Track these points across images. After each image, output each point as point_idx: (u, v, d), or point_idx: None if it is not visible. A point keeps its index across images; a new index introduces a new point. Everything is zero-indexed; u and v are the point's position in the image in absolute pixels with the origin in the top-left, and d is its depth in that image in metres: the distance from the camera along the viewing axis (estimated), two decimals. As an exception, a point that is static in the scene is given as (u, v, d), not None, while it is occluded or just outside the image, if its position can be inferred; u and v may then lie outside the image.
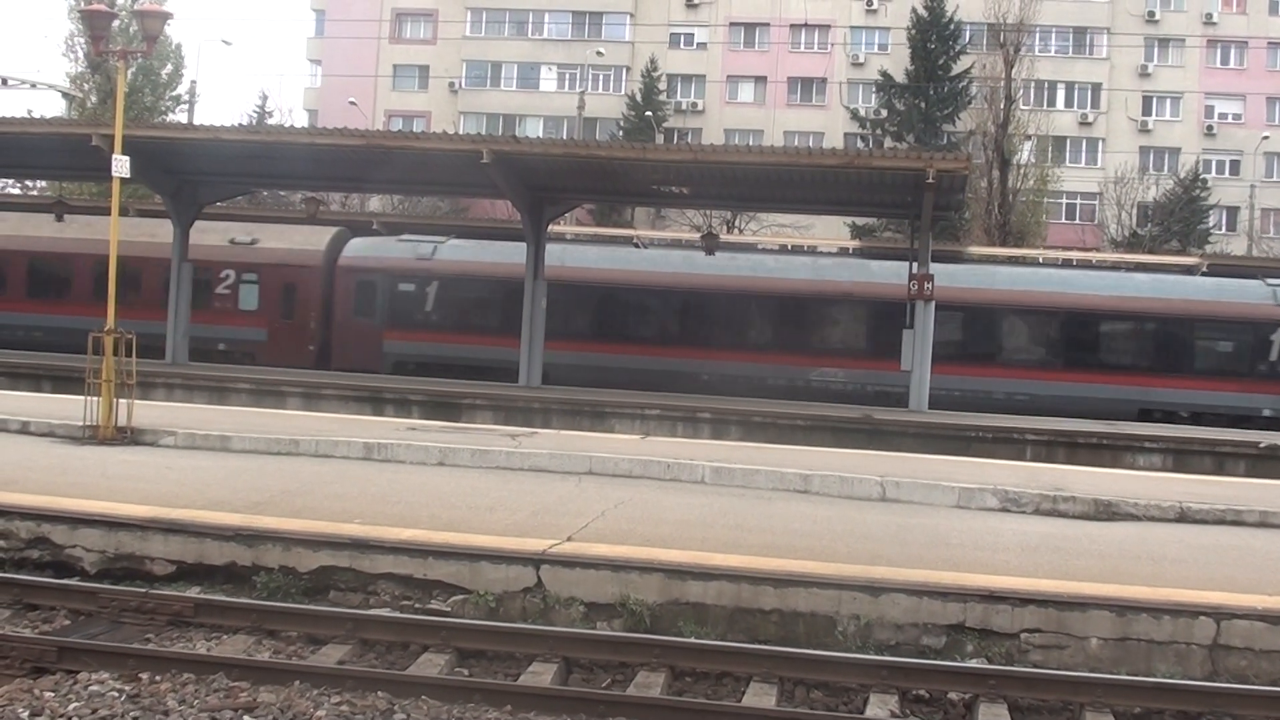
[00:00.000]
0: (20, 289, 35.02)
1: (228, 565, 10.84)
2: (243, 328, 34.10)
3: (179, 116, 63.05)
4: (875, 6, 67.61)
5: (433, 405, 24.81)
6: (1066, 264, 36.40)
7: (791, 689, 8.89)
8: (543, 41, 71.00)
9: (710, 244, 33.22)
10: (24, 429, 17.19)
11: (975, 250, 40.33)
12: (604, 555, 10.40)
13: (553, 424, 23.42)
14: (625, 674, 8.99)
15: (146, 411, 17.89)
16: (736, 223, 53.31)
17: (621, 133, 63.35)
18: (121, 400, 16.82)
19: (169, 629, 9.56)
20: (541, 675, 8.75)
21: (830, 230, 52.44)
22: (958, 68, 61.33)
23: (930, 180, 24.06)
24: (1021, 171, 57.17)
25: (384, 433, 17.48)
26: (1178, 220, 58.36)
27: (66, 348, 28.50)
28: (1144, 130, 66.45)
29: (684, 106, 68.64)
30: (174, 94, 66.82)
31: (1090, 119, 66.42)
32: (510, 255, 32.63)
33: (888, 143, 59.63)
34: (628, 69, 69.18)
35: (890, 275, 31.24)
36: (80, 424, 16.64)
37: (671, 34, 69.47)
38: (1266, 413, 30.08)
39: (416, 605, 10.35)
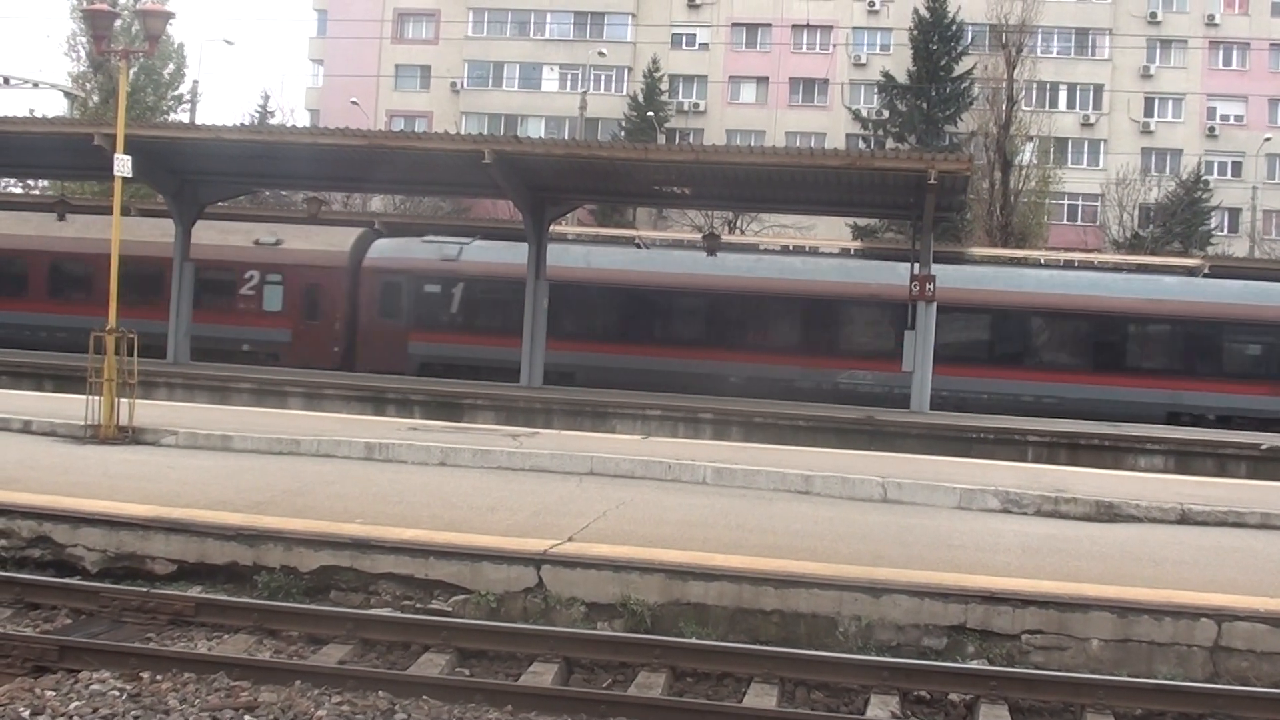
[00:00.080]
0: (44, 290, 34.86)
1: (229, 565, 10.84)
2: (267, 329, 33.97)
3: (181, 116, 63.04)
4: (877, 7, 67.64)
5: (434, 405, 24.81)
6: (1095, 266, 36.17)
7: (792, 690, 8.89)
8: (544, 42, 71.04)
9: (712, 244, 33.24)
10: (26, 428, 17.19)
11: (977, 251, 40.33)
12: (605, 556, 10.40)
13: (554, 424, 23.43)
14: (626, 674, 8.99)
15: (148, 411, 17.90)
16: (738, 223, 53.33)
17: (623, 133, 63.35)
18: (123, 400, 16.83)
19: (170, 628, 9.56)
20: (542, 675, 8.75)
21: (832, 231, 52.47)
22: (960, 69, 61.33)
23: (932, 181, 24.06)
24: (1023, 173, 57.17)
25: (385, 433, 17.48)
26: (1179, 222, 58.36)
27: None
28: (1146, 131, 66.45)
29: (686, 107, 68.66)
30: (176, 94, 66.83)
31: (1092, 120, 66.43)
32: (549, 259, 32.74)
33: (889, 144, 59.63)
34: (629, 69, 69.19)
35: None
36: (82, 423, 16.64)
37: (673, 34, 69.49)
38: None
39: (418, 605, 10.36)
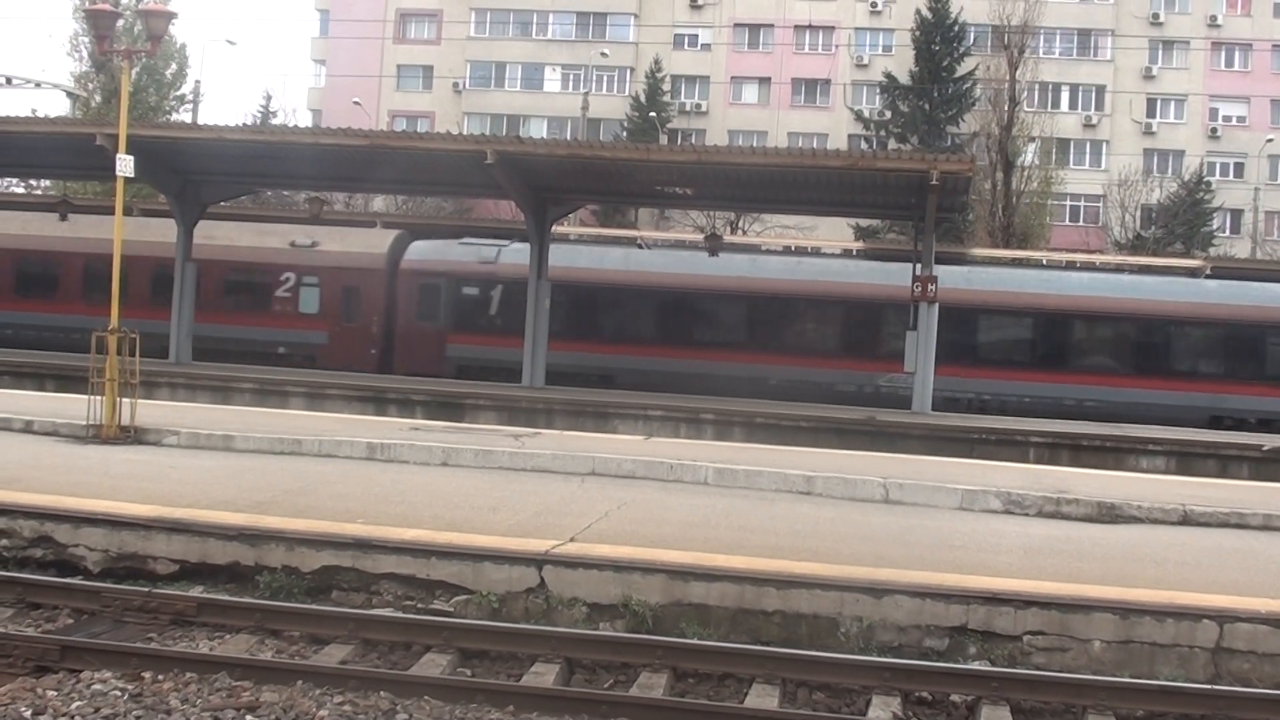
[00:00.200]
0: (76, 291, 34.44)
1: (231, 565, 10.85)
2: (303, 331, 33.88)
3: (183, 116, 63.06)
4: (879, 8, 67.64)
5: (436, 405, 24.82)
6: (1141, 270, 35.99)
7: (794, 690, 8.89)
8: (547, 42, 71.03)
9: (714, 245, 33.22)
10: (27, 428, 17.20)
11: (978, 252, 40.30)
12: (607, 556, 10.40)
13: (556, 424, 23.43)
14: (628, 675, 8.99)
15: (150, 411, 17.91)
16: (740, 224, 53.32)
17: (625, 134, 63.34)
18: (125, 399, 16.84)
19: (172, 628, 9.57)
20: (544, 676, 8.76)
21: (834, 232, 52.44)
22: (962, 69, 61.28)
23: (934, 182, 24.06)
24: (1025, 173, 57.11)
25: (387, 433, 17.49)
26: (1181, 223, 58.32)
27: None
28: (1148, 132, 66.42)
29: (688, 107, 68.63)
30: (178, 94, 66.86)
31: (1094, 121, 66.41)
32: (576, 259, 32.61)
33: (891, 144, 59.59)
34: (632, 70, 69.17)
35: (959, 280, 31.34)
36: (84, 423, 16.65)
37: (676, 35, 69.50)
38: None
39: (419, 605, 10.36)
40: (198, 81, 70.63)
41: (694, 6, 69.63)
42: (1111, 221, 60.88)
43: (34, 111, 59.14)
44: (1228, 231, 63.33)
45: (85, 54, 62.53)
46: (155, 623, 9.61)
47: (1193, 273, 34.81)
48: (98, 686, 8.09)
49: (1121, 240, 58.16)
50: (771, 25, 68.69)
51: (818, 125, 67.59)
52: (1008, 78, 56.68)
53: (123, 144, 18.08)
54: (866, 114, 64.24)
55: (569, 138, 54.70)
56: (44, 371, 26.61)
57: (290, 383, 26.05)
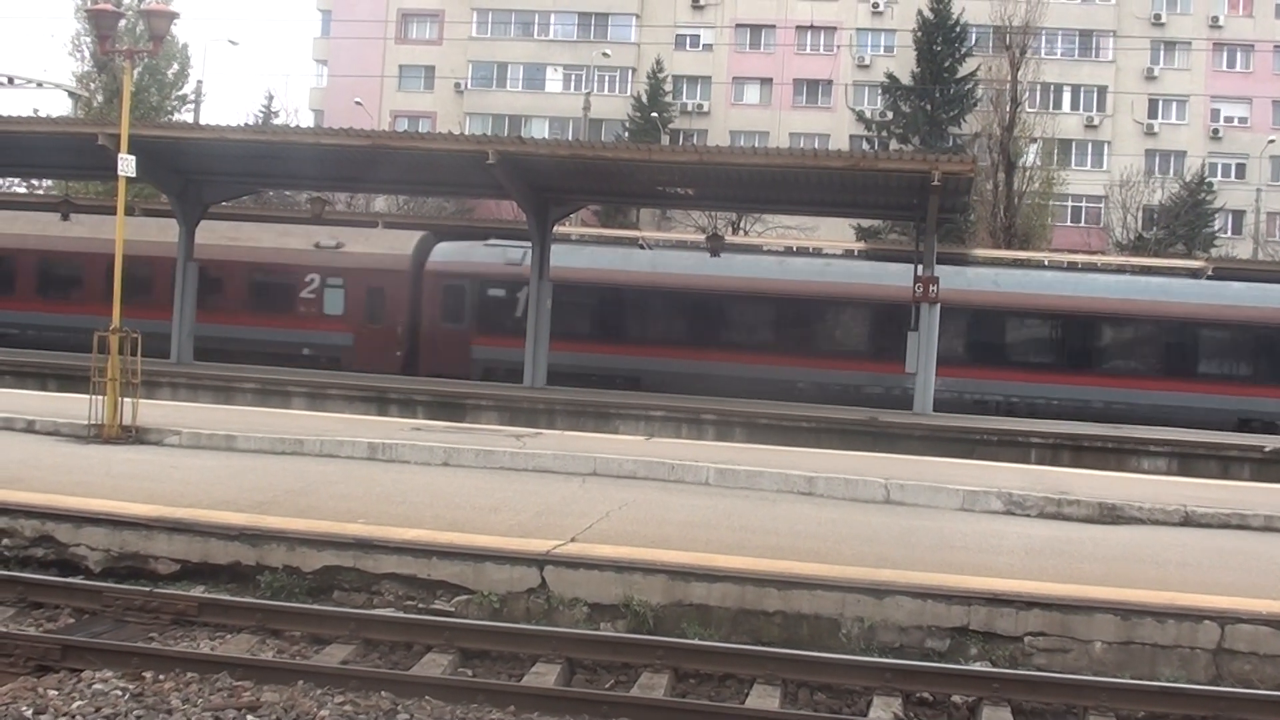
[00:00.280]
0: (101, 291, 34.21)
1: (232, 565, 10.85)
2: (328, 332, 33.76)
3: (185, 116, 63.08)
4: (881, 9, 67.65)
5: (437, 405, 24.81)
6: (1142, 270, 35.86)
7: (795, 691, 8.89)
8: (549, 42, 71.05)
9: (716, 245, 33.19)
10: (29, 427, 17.20)
11: (980, 253, 40.28)
12: (608, 556, 10.40)
13: (557, 425, 23.43)
14: (629, 675, 8.99)
15: (151, 411, 17.92)
16: (742, 224, 53.31)
17: (627, 134, 63.35)
18: (126, 399, 16.84)
19: (173, 628, 9.57)
20: (545, 676, 8.76)
21: (835, 232, 52.43)
22: (963, 70, 61.25)
23: (936, 183, 24.05)
24: (1027, 174, 57.09)
25: (389, 433, 17.49)
26: (1183, 224, 58.31)
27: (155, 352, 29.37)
28: (1149, 133, 66.41)
29: (689, 108, 68.63)
30: (180, 93, 66.86)
31: (1096, 122, 66.40)
32: (603, 260, 32.60)
33: (893, 145, 59.58)
34: (633, 70, 69.17)
35: (985, 283, 31.26)
36: (85, 423, 16.65)
37: (677, 35, 69.50)
38: None
39: (420, 605, 10.36)
40: (199, 81, 70.55)
41: (696, 7, 69.65)
42: (1113, 222, 60.89)
43: (36, 111, 59.21)
44: (1229, 232, 63.31)
45: (87, 54, 62.55)
46: (156, 622, 9.61)
47: (1194, 274, 34.77)
48: (99, 686, 8.09)
49: (1123, 241, 58.16)
50: (773, 26, 68.71)
51: (819, 126, 67.59)
52: (1009, 78, 56.65)
53: (124, 144, 18.09)
54: (868, 114, 64.22)
55: (571, 138, 54.74)
56: (46, 371, 26.62)
57: (292, 383, 26.04)
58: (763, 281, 32.22)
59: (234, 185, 32.47)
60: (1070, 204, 64.48)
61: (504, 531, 11.21)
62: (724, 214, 49.61)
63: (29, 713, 7.61)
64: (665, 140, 59.90)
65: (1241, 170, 65.42)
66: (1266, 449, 22.92)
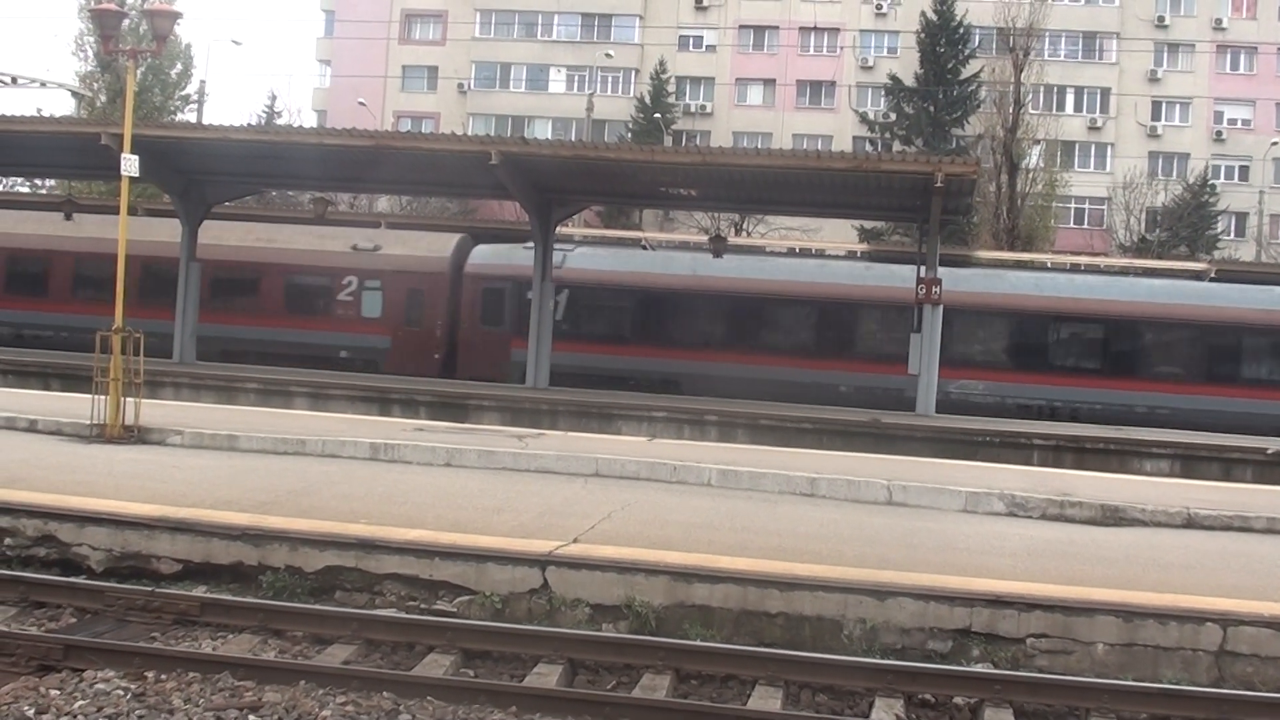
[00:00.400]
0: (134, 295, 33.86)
1: (234, 565, 10.86)
2: (365, 335, 33.63)
3: (188, 116, 63.18)
4: (884, 10, 67.61)
5: (439, 406, 24.83)
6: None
7: (797, 692, 8.89)
8: (552, 43, 71.05)
9: (718, 246, 33.19)
10: (31, 427, 17.22)
11: (983, 254, 40.26)
12: (610, 557, 10.40)
13: (559, 425, 23.43)
14: (630, 676, 8.99)
15: (154, 411, 17.92)
16: (744, 225, 53.32)
17: (630, 135, 63.35)
18: (129, 399, 16.85)
19: (175, 628, 9.57)
20: (547, 676, 8.76)
21: (838, 234, 52.45)
22: (967, 72, 61.24)
23: (939, 184, 24.03)
24: (1030, 176, 57.07)
25: (391, 433, 17.49)
26: (1186, 226, 58.26)
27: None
28: (1153, 135, 66.37)
29: (693, 109, 68.61)
30: (183, 93, 66.97)
31: (1099, 124, 66.35)
32: (643, 263, 32.54)
33: (896, 146, 59.56)
34: (637, 71, 69.18)
35: (1028, 286, 31.19)
36: (88, 423, 16.66)
37: (680, 36, 69.49)
38: None
39: (422, 606, 10.36)
40: (203, 81, 70.94)
41: (699, 8, 69.62)
42: (1116, 224, 60.86)
43: (39, 111, 59.44)
44: (1232, 234, 63.25)
45: (90, 54, 62.70)
46: (158, 622, 9.62)
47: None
48: (101, 686, 8.10)
49: (1126, 243, 58.15)
50: (776, 27, 68.69)
51: (822, 127, 67.57)
52: (1013, 80, 56.67)
53: (128, 144, 18.10)
54: (871, 116, 64.22)
55: (574, 139, 54.70)
56: (49, 371, 26.65)
57: (294, 383, 26.05)
58: (805, 285, 32.05)
59: (237, 185, 32.47)
60: (1073, 206, 64.43)
61: (506, 532, 11.21)
62: (726, 215, 49.60)
63: (31, 712, 7.62)
64: (668, 141, 59.90)
65: (1245, 172, 65.37)
66: (1269, 451, 22.90)
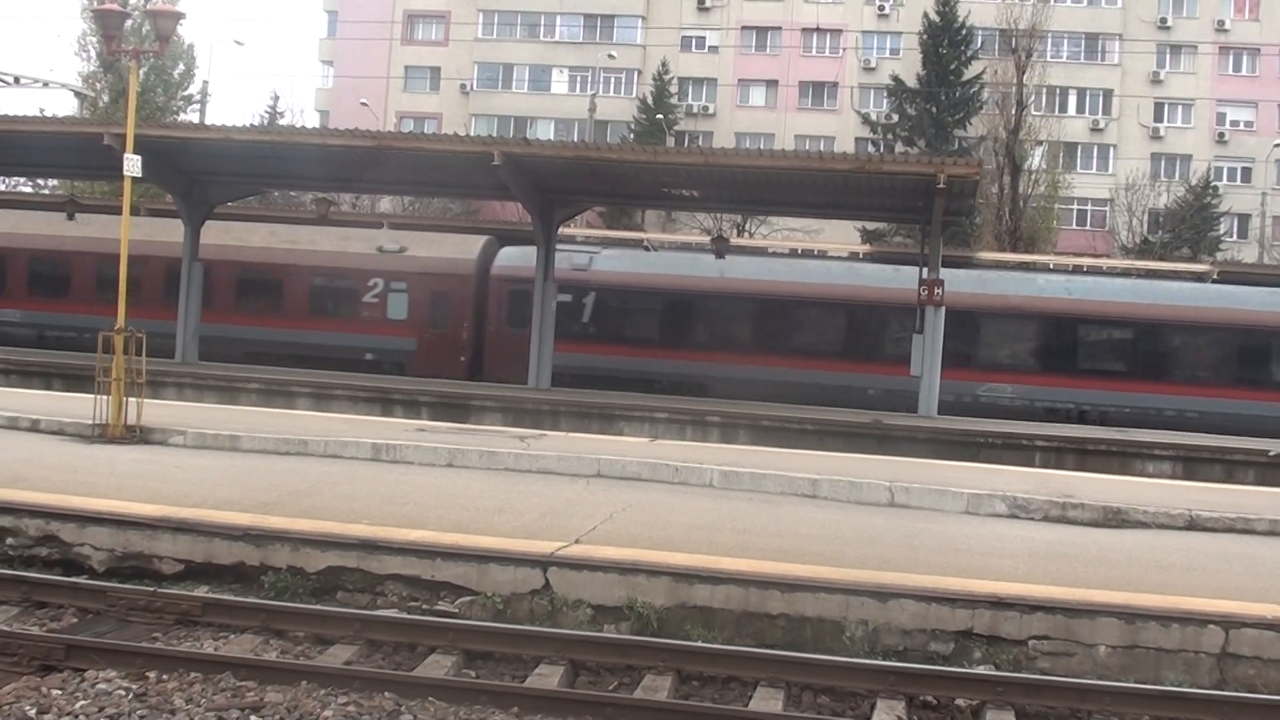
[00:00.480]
0: (160, 295, 33.05)
1: (236, 565, 10.86)
2: (391, 337, 33.49)
3: (190, 116, 63.25)
4: (887, 11, 67.60)
5: (441, 406, 24.82)
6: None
7: (798, 694, 8.89)
8: (554, 44, 71.05)
9: (721, 247, 33.18)
10: (34, 427, 17.23)
11: (985, 255, 40.22)
12: (612, 558, 10.40)
13: (561, 426, 23.43)
14: (632, 677, 8.99)
15: (156, 411, 17.92)
16: (747, 226, 53.31)
17: (632, 135, 63.33)
18: (131, 399, 16.86)
19: (177, 628, 9.57)
20: (548, 677, 8.76)
21: (840, 234, 52.43)
22: (969, 73, 61.23)
23: (941, 185, 24.01)
24: (1032, 177, 57.01)
25: (393, 433, 17.50)
26: (1189, 227, 58.20)
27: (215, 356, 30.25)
28: (1155, 137, 66.36)
29: (695, 109, 68.61)
30: (186, 94, 67.03)
31: (1102, 125, 66.34)
32: (671, 265, 32.45)
33: (899, 147, 59.57)
34: (639, 72, 69.19)
35: (1058, 289, 31.14)
36: (90, 422, 16.67)
37: (683, 37, 69.49)
38: None
39: (424, 606, 10.36)
40: (205, 82, 70.87)
41: (701, 9, 69.61)
42: (1118, 226, 60.80)
43: (42, 111, 59.45)
44: (1234, 236, 63.23)
45: (93, 54, 62.73)
46: (160, 622, 9.62)
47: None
48: (102, 686, 8.10)
49: (1128, 244, 58.10)
50: (779, 28, 68.70)
51: (825, 128, 67.55)
52: (1015, 81, 56.61)
53: (130, 144, 18.11)
54: (874, 117, 64.21)
55: (576, 139, 54.71)
56: (51, 370, 26.66)
57: (296, 383, 26.06)
58: (836, 287, 31.92)
59: (239, 185, 32.46)
60: (1075, 207, 64.39)
61: (508, 533, 11.21)
62: (729, 216, 49.60)
63: (32, 712, 7.62)
64: (670, 142, 59.89)
65: (1247, 174, 65.33)
66: (1271, 453, 22.88)
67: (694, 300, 31.88)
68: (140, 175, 18.31)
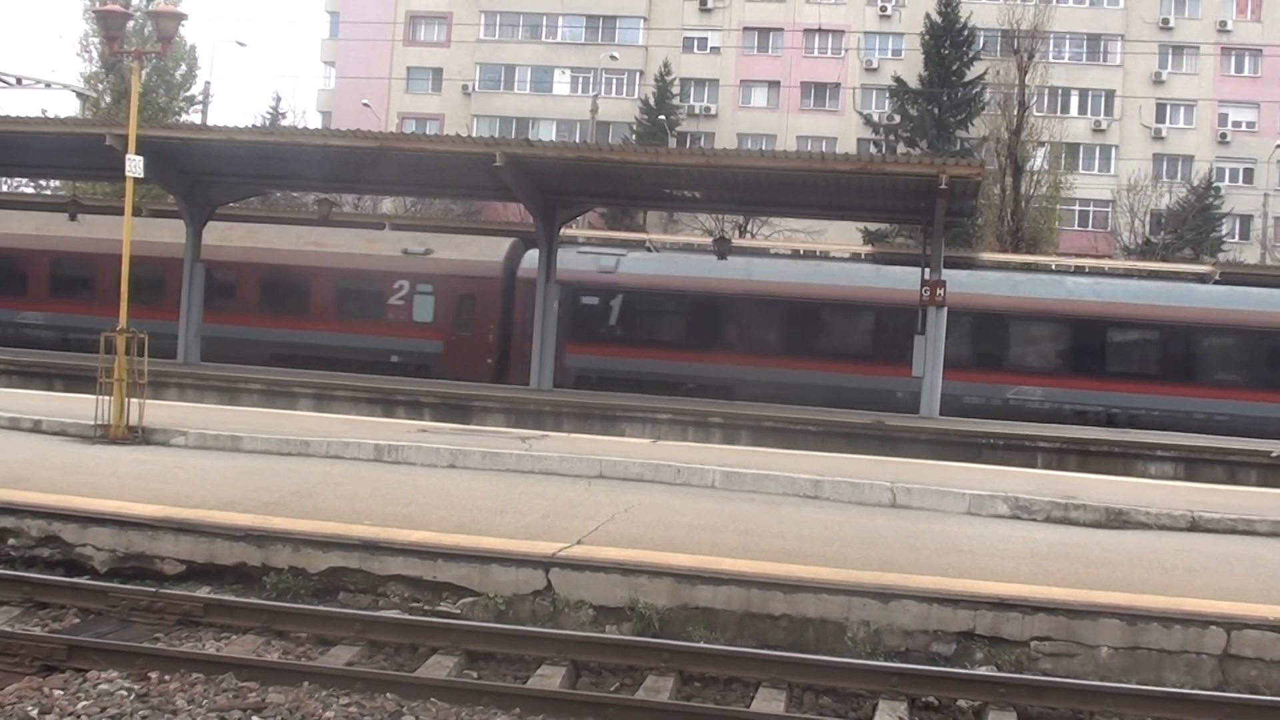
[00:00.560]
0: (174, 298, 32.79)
1: (238, 565, 10.86)
2: (417, 339, 33.45)
3: (192, 117, 63.27)
4: (889, 12, 67.57)
5: (443, 407, 24.82)
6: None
7: (800, 695, 8.88)
8: (556, 45, 71.06)
9: (722, 248, 33.18)
10: (36, 427, 17.24)
11: (987, 256, 40.21)
12: (614, 559, 10.39)
13: (563, 427, 23.43)
14: (634, 678, 8.99)
15: (158, 411, 17.93)
16: (749, 227, 53.31)
17: (634, 136, 63.34)
18: (133, 400, 16.86)
19: (178, 628, 9.57)
20: (550, 678, 8.76)
21: (842, 235, 52.44)
22: (971, 74, 61.21)
23: (943, 186, 24.01)
24: (1034, 178, 57.01)
25: (395, 434, 17.50)
26: (1191, 228, 58.19)
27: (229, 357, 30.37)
28: (1157, 137, 66.33)
29: (697, 110, 68.60)
30: (188, 95, 67.03)
31: (1104, 126, 66.32)
32: (697, 269, 32.40)
33: (901, 148, 59.56)
34: (641, 73, 69.19)
35: (1087, 292, 31.09)
36: (92, 423, 16.67)
37: (685, 38, 69.48)
38: None
39: (426, 607, 10.36)
40: (207, 83, 70.98)
41: (703, 10, 69.60)
42: (1120, 226, 60.76)
43: (44, 112, 59.60)
44: (1236, 237, 63.18)
45: (95, 55, 62.72)
46: (162, 623, 9.62)
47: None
48: (104, 686, 8.10)
49: (1130, 245, 58.08)
50: (781, 29, 68.67)
51: (827, 129, 67.54)
52: (1017, 82, 56.58)
53: (132, 144, 18.12)
54: (876, 118, 64.16)
55: (578, 140, 54.76)
56: (53, 371, 26.67)
57: (298, 384, 26.07)
58: (864, 289, 31.79)
59: (242, 186, 32.50)
60: (1077, 208, 64.35)
61: (510, 534, 11.21)
62: (731, 217, 49.60)
63: (34, 712, 7.63)
64: (672, 143, 59.93)
65: (1249, 175, 65.29)
66: (1273, 454, 22.87)
67: (719, 302, 31.79)
68: (142, 176, 18.33)
